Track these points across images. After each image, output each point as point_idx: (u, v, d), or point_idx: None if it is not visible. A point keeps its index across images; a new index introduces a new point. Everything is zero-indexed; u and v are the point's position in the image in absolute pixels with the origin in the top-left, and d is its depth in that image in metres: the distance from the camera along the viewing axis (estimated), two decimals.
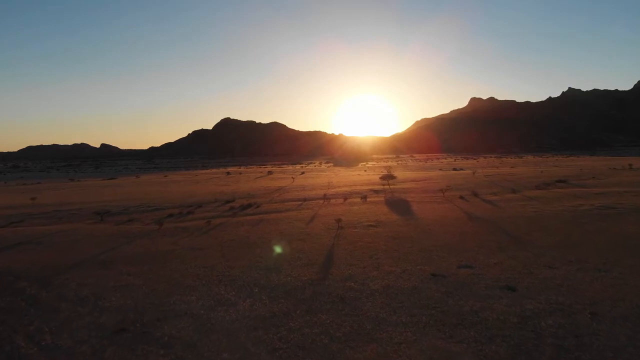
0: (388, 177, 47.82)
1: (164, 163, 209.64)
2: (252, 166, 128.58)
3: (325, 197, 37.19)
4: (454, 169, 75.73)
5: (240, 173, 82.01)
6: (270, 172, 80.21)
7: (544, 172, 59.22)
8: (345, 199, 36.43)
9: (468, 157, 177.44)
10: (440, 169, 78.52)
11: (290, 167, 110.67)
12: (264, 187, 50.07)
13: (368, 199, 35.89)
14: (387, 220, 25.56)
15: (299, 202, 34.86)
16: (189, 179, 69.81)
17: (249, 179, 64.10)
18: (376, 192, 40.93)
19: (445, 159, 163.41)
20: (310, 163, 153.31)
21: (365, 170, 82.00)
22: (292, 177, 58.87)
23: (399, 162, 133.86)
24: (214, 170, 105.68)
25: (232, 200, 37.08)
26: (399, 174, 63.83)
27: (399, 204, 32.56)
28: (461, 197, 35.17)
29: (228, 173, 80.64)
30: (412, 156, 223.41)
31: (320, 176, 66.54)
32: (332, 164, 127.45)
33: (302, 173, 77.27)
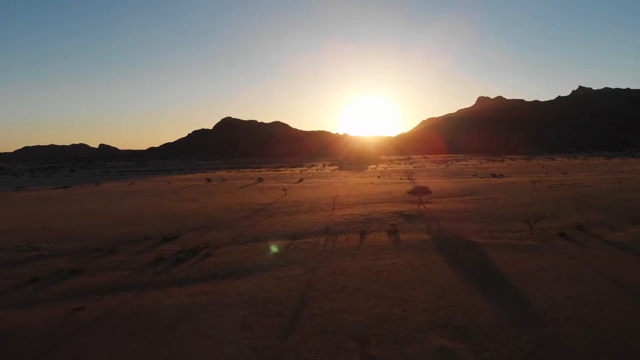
0: (419, 191, 32.99)
1: (157, 165, 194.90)
2: (245, 169, 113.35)
3: (328, 231, 22.50)
4: (493, 176, 60.55)
5: (224, 180, 66.99)
6: (260, 179, 65.10)
7: (622, 182, 44.20)
8: (363, 233, 21.78)
9: (491, 158, 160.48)
10: (475, 175, 63.21)
11: (288, 171, 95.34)
12: (242, 204, 35.39)
13: (401, 235, 21.19)
14: (481, 322, 10.78)
15: (284, 244, 20.13)
16: (157, 188, 55.28)
17: (230, 189, 49.35)
18: (409, 217, 26.17)
19: (467, 161, 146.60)
20: (313, 165, 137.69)
21: (378, 177, 66.89)
22: (284, 189, 43.98)
23: (415, 164, 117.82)
24: (198, 175, 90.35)
25: (174, 238, 22.44)
26: (426, 182, 48.94)
27: (462, 252, 17.81)
28: (562, 235, 20.43)
29: (208, 180, 65.72)
30: (425, 157, 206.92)
31: (323, 185, 51.66)
32: (337, 167, 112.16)
33: (300, 180, 62.25)
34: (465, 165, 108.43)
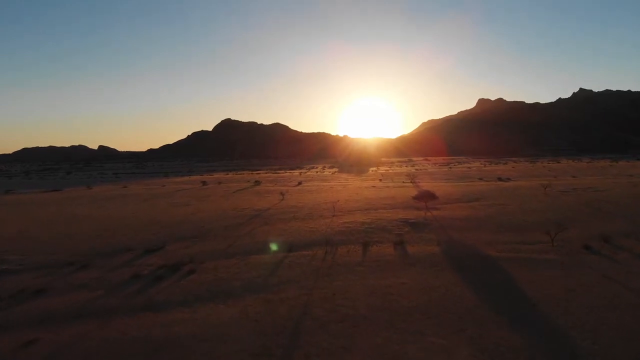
0: (425, 196, 30.96)
1: (155, 167, 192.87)
2: (243, 172, 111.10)
3: (328, 242, 20.44)
4: (500, 179, 58.45)
5: (220, 183, 64.89)
6: (257, 182, 63.03)
7: (638, 187, 42.22)
8: (366, 245, 19.77)
9: (494, 161, 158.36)
10: (481, 179, 61.08)
11: (287, 174, 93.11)
12: (236, 210, 33.37)
13: (408, 247, 19.16)
14: None
15: (278, 258, 18.07)
16: (150, 191, 53.19)
17: (226, 193, 47.27)
18: (415, 226, 24.14)
19: (470, 163, 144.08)
20: (312, 167, 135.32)
21: (380, 180, 64.82)
22: (282, 194, 41.98)
23: (417, 167, 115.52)
24: (194, 177, 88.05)
25: (157, 249, 20.40)
26: (430, 186, 46.95)
27: (478, 269, 15.78)
28: (587, 248, 18.40)
29: (204, 183, 63.62)
30: (426, 159, 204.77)
31: (322, 189, 49.64)
32: (337, 170, 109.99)
33: (299, 183, 60.20)
34: (469, 168, 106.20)
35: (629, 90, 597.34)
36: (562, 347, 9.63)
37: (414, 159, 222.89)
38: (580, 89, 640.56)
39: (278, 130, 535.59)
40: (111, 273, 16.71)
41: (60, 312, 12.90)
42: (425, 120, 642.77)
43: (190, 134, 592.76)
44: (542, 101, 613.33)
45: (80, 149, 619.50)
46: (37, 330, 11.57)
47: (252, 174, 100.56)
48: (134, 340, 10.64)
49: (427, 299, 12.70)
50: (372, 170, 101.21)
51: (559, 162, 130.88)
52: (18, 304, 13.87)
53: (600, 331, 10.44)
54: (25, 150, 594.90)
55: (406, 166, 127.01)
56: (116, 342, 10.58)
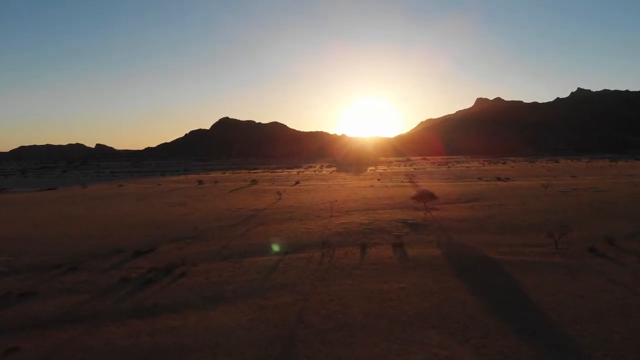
0: (424, 196, 30.41)
1: (152, 165, 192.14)
2: (240, 171, 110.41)
3: (325, 244, 19.83)
4: (499, 179, 58.00)
5: (216, 182, 64.24)
6: (254, 182, 62.43)
7: (638, 187, 41.81)
8: (364, 247, 19.23)
9: (492, 160, 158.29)
10: (480, 179, 60.64)
11: (285, 173, 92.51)
12: (232, 210, 32.77)
13: (408, 250, 18.62)
14: None
15: (273, 261, 17.49)
16: (144, 190, 52.59)
17: (221, 193, 46.66)
18: (414, 227, 23.60)
19: (468, 163, 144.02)
20: (310, 167, 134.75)
21: (378, 179, 64.29)
22: (279, 193, 41.23)
23: (415, 166, 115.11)
24: (190, 176, 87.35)
25: (148, 251, 19.82)
26: (429, 185, 46.43)
27: (480, 273, 15.26)
28: (592, 251, 17.88)
29: (200, 182, 62.91)
30: (424, 159, 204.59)
31: (320, 188, 49.06)
32: (335, 169, 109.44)
33: (297, 183, 59.60)
34: (467, 167, 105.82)
35: (627, 90, 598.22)
36: (573, 359, 9.08)
37: (412, 158, 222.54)
38: (579, 88, 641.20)
39: (276, 129, 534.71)
40: (100, 276, 16.11)
41: (45, 317, 12.31)
42: (424, 119, 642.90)
43: (188, 132, 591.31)
44: (540, 101, 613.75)
45: (78, 148, 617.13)
46: (19, 337, 10.98)
47: (249, 173, 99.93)
48: (120, 349, 10.05)
49: (428, 305, 12.14)
50: (370, 170, 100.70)
51: (557, 162, 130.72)
52: (2, 308, 13.26)
53: (612, 342, 9.88)
54: (22, 148, 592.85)
55: (404, 165, 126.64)
56: (101, 351, 9.99)
